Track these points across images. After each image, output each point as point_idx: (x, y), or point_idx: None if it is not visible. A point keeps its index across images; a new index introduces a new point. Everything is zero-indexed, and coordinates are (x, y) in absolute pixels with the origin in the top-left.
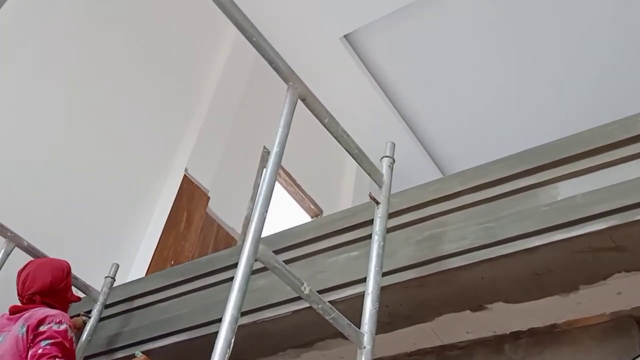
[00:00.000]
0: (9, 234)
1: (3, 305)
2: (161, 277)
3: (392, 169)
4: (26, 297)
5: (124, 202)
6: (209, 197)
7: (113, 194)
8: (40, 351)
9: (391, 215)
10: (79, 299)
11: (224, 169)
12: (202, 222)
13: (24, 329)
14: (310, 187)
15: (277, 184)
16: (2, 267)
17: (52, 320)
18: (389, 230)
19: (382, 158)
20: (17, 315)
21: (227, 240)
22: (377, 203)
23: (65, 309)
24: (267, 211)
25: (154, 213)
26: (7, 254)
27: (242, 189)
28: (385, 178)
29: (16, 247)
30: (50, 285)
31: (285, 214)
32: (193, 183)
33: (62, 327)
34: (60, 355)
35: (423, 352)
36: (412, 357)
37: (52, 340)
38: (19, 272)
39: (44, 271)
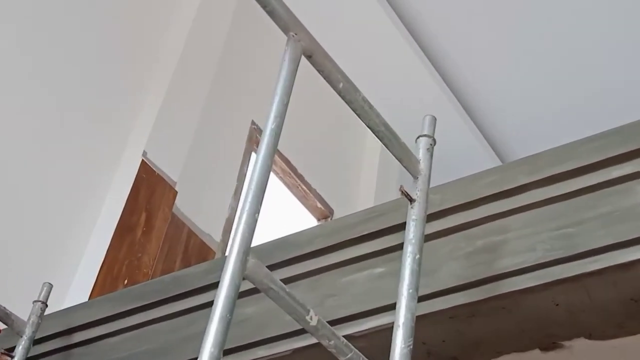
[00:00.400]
0: None
1: None
2: (110, 303)
3: (432, 154)
4: None
5: (58, 200)
6: (177, 192)
7: (44, 190)
8: None
9: (430, 218)
10: None
11: (197, 153)
12: (166, 226)
13: None
14: (317, 180)
15: (271, 175)
16: None
17: None
18: (428, 238)
19: (418, 138)
20: None
21: (201, 252)
22: (411, 200)
23: None
24: (258, 212)
25: (100, 214)
26: None
27: (222, 181)
28: (423, 166)
29: None
30: None
31: (282, 216)
32: (154, 172)
33: None
34: None
35: None
36: None
37: None
38: None
39: None
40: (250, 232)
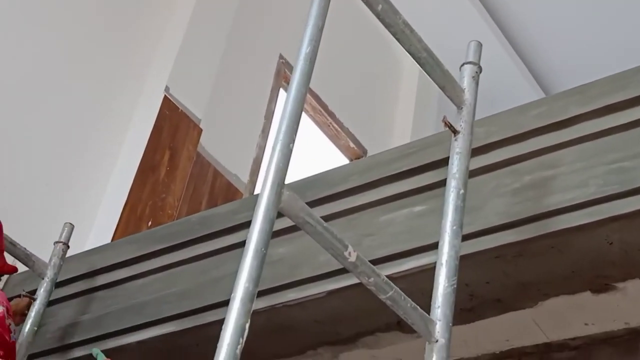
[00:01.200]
0: None
1: None
2: (135, 244)
3: (477, 82)
4: None
5: (79, 139)
6: (201, 130)
7: (63, 129)
8: None
9: (475, 152)
10: (13, 269)
11: (222, 89)
12: (191, 165)
13: None
14: (350, 118)
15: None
16: None
17: None
18: (473, 173)
19: (462, 65)
20: None
21: (228, 193)
22: (455, 132)
23: None
24: (293, 142)
25: (121, 153)
26: None
27: (248, 119)
28: (468, 95)
29: None
30: None
31: (313, 157)
32: (178, 109)
33: None
34: None
35: (519, 353)
36: None
37: None
38: None
39: None
40: (285, 163)
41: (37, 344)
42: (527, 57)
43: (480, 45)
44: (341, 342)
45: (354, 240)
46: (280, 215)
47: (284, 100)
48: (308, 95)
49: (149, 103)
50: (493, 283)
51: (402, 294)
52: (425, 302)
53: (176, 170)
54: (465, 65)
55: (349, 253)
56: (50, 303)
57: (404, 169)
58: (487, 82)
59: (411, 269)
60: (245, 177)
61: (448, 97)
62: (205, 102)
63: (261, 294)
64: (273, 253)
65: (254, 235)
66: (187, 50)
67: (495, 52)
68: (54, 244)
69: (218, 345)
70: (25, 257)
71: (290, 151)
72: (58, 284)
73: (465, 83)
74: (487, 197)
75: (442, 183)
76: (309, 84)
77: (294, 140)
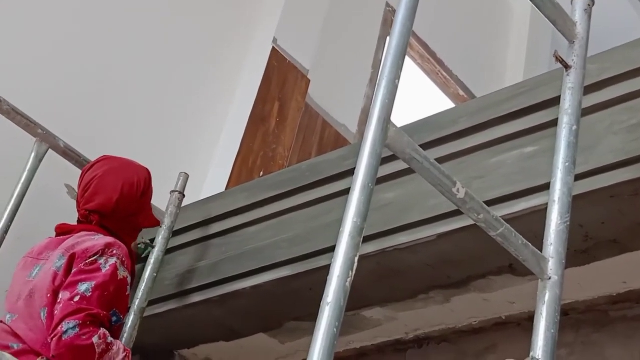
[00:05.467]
0: (40, 131)
1: (43, 230)
2: (247, 192)
3: (590, 15)
4: (81, 212)
5: (191, 91)
6: (310, 81)
7: (176, 81)
8: (61, 310)
9: (588, 89)
10: (156, 222)
11: (329, 39)
12: (300, 116)
13: (62, 262)
14: (459, 65)
15: (408, 60)
16: (34, 175)
17: (97, 253)
18: (586, 111)
19: None
20: (63, 237)
21: (336, 143)
22: (567, 67)
23: (131, 238)
24: (399, 78)
25: (232, 104)
26: (39, 159)
27: (356, 69)
28: (580, 29)
29: (50, 150)
30: (115, 206)
31: (421, 104)
32: (286, 60)
33: (109, 263)
34: (91, 319)
35: (637, 296)
36: (620, 305)
37: (82, 292)
38: (83, 169)
39: (112, 182)
40: (391, 99)
41: (156, 290)
42: None
43: None
44: (453, 286)
45: (463, 183)
46: (387, 160)
47: (390, 36)
48: (416, 43)
49: (257, 55)
50: (608, 223)
51: (513, 230)
52: (537, 244)
53: (286, 121)
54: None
55: (458, 189)
56: (168, 251)
57: (515, 109)
58: (601, 16)
59: (522, 210)
60: (353, 128)
61: (559, 31)
62: (313, 53)
63: (371, 238)
64: (382, 198)
65: (361, 171)
66: (293, 1)
67: None
68: (170, 193)
69: (328, 278)
70: None
71: (396, 87)
72: (175, 232)
73: (577, 16)
74: (601, 135)
75: (554, 123)
76: (414, 19)
77: (399, 77)
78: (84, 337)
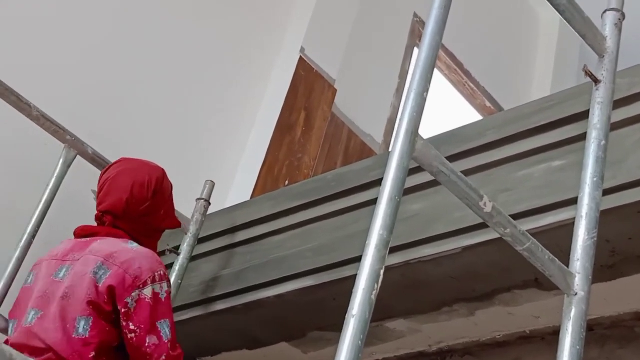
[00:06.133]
0: (69, 137)
1: (70, 235)
2: (273, 201)
3: (620, 29)
4: (97, 213)
5: (218, 99)
6: (336, 90)
7: (202, 88)
8: (150, 351)
9: (618, 104)
10: (176, 224)
11: (356, 49)
12: (326, 125)
13: (104, 274)
14: (486, 76)
15: (435, 71)
16: (62, 181)
17: (150, 280)
18: (615, 126)
19: (604, 12)
20: (86, 240)
21: (362, 153)
22: (597, 82)
23: (150, 240)
24: (427, 90)
25: (259, 113)
26: (67, 165)
27: (382, 79)
28: (610, 43)
29: (78, 156)
30: (125, 206)
31: (448, 116)
32: (313, 70)
33: (165, 289)
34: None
35: None
36: None
37: (168, 336)
38: (101, 172)
39: (123, 182)
40: (419, 112)
41: (180, 297)
42: None
43: None
44: (477, 299)
45: (489, 196)
46: (414, 171)
47: (419, 49)
48: (443, 54)
49: (285, 64)
50: (635, 239)
51: (540, 245)
52: (563, 259)
53: (312, 131)
54: (608, 12)
55: (485, 203)
56: (193, 258)
57: (543, 122)
58: (628, 31)
59: (549, 224)
60: (379, 138)
61: (589, 45)
62: (340, 63)
63: (396, 249)
64: (408, 209)
65: (389, 183)
66: (322, 11)
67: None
68: (196, 201)
69: (353, 290)
70: None
71: (424, 100)
72: (200, 240)
73: (607, 30)
74: (631, 150)
75: (583, 137)
76: (443, 32)
77: (427, 90)
78: None
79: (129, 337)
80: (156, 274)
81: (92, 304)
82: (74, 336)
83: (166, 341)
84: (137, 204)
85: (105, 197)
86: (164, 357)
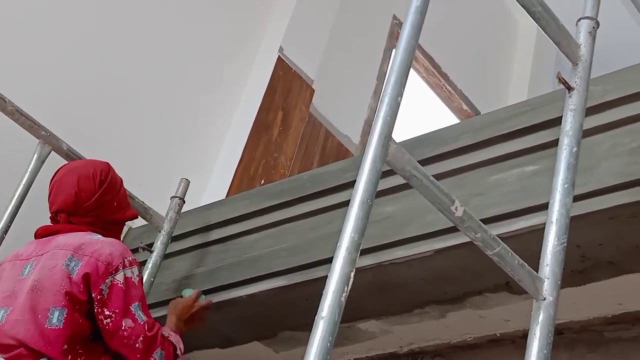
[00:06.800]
0: (43, 133)
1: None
2: (248, 200)
3: (594, 37)
4: (50, 215)
5: (195, 97)
6: (314, 91)
7: (180, 85)
8: (127, 334)
9: (591, 111)
10: (132, 215)
11: (335, 50)
12: (303, 125)
13: (76, 265)
14: (463, 80)
15: (413, 73)
16: (36, 177)
17: (122, 265)
18: (587, 133)
19: (578, 20)
20: (49, 238)
21: (338, 153)
22: (570, 89)
23: (114, 235)
24: (401, 95)
25: (236, 112)
26: (41, 160)
27: (360, 81)
28: (584, 51)
29: (53, 152)
30: (75, 200)
31: (424, 118)
32: (291, 69)
33: (135, 273)
34: (161, 338)
35: (633, 318)
36: (615, 326)
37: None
38: (50, 179)
39: (69, 179)
40: (392, 116)
41: (153, 294)
42: None
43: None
44: (448, 301)
45: (462, 200)
46: (386, 174)
47: (394, 53)
48: (421, 56)
49: (263, 63)
50: (606, 245)
51: (510, 250)
52: (534, 263)
53: (289, 130)
54: (582, 20)
55: (456, 207)
56: (166, 256)
57: (517, 127)
58: (603, 39)
59: (520, 229)
60: (356, 139)
61: (563, 52)
62: (318, 63)
63: (368, 251)
64: (381, 211)
65: (361, 186)
66: (301, 10)
67: (613, 6)
68: (171, 199)
69: (323, 292)
70: (143, 210)
71: (398, 104)
72: (174, 238)
73: (582, 38)
74: (602, 157)
75: (556, 143)
76: (419, 37)
77: (402, 94)
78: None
79: (104, 322)
80: (126, 259)
81: (69, 294)
82: (46, 326)
83: (142, 323)
84: (86, 197)
85: (55, 197)
86: (141, 339)
